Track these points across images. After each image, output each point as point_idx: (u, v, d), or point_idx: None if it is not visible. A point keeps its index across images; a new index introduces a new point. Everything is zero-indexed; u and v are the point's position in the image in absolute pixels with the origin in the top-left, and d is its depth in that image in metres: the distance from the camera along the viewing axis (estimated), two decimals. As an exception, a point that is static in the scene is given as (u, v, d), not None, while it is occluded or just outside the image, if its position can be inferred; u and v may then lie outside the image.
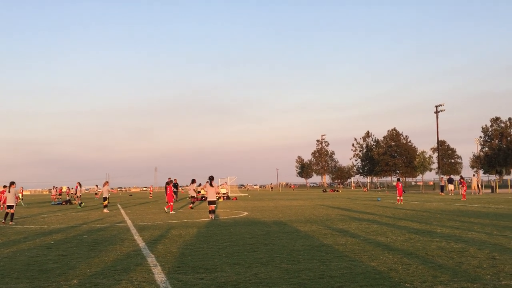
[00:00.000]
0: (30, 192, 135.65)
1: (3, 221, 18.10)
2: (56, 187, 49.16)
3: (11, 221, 17.95)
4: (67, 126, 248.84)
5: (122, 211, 25.60)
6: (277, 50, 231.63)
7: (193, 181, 30.13)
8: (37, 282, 6.77)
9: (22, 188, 48.07)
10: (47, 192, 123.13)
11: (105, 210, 24.94)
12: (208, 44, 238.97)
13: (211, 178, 18.79)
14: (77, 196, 34.30)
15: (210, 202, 18.35)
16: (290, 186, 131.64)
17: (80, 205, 32.02)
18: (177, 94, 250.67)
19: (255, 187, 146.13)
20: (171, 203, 22.81)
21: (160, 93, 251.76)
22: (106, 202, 25.44)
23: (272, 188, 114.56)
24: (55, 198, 44.96)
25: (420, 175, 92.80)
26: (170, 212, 22.17)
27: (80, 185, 35.44)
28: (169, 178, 30.54)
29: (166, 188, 37.49)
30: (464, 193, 32.54)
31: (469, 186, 51.21)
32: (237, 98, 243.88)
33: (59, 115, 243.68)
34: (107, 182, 26.57)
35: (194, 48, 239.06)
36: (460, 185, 45.12)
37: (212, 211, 18.26)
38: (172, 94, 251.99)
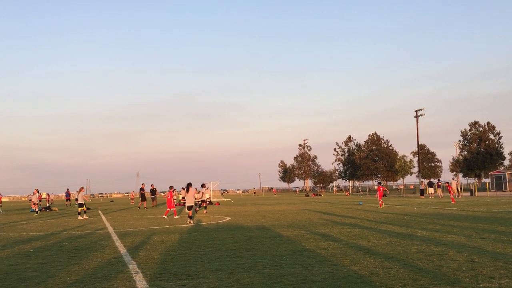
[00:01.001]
0: (9, 198, 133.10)
1: None
2: (34, 193, 48.24)
3: None
4: (46, 131, 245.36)
5: (103, 217, 25.30)
6: (259, 55, 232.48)
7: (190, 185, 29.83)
8: (16, 291, 6.65)
9: (1, 195, 47.12)
10: (26, 199, 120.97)
11: (80, 217, 24.32)
12: (190, 49, 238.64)
13: (189, 185, 19.56)
14: (34, 203, 32.54)
15: (189, 207, 18.93)
16: (272, 191, 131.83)
17: (36, 212, 30.99)
18: (159, 99, 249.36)
19: (237, 192, 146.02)
20: (173, 208, 23.06)
21: (142, 98, 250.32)
22: (81, 208, 24.84)
23: (254, 192, 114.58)
24: (33, 206, 44.14)
25: (401, 178, 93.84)
26: (175, 217, 22.42)
27: (38, 191, 34.57)
28: (143, 184, 30.56)
29: (142, 194, 37.89)
30: (452, 197, 32.70)
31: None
32: (219, 103, 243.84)
33: (38, 120, 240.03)
34: (82, 188, 26.22)
35: (176, 53, 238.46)
36: (439, 189, 46.02)
37: (190, 217, 18.74)
38: (154, 99, 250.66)
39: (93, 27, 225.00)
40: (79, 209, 25.01)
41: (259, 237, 12.88)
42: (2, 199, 51.61)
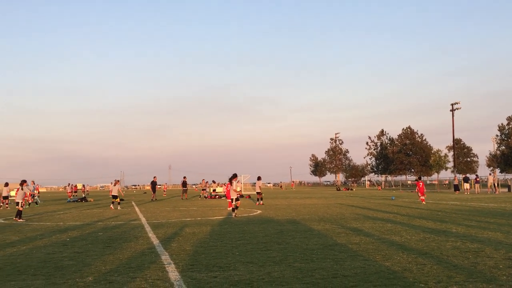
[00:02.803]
0: (46, 189, 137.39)
1: (18, 218, 18.42)
2: (72, 184, 49.69)
3: (20, 219, 18.32)
4: (84, 124, 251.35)
5: (137, 208, 25.79)
6: (292, 49, 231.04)
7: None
8: (53, 279, 6.86)
9: (39, 185, 48.70)
10: (63, 189, 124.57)
11: (112, 207, 25.61)
12: (223, 43, 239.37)
13: (234, 176, 18.89)
14: (32, 196, 31.65)
15: (235, 199, 18.42)
16: (304, 184, 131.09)
17: (28, 205, 29.72)
18: (193, 93, 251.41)
19: (268, 185, 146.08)
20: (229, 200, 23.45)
21: (176, 92, 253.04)
22: (114, 200, 25.94)
23: (281, 186, 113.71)
24: (71, 195, 45.51)
25: (436, 173, 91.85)
26: (228, 208, 22.55)
27: (33, 183, 34.90)
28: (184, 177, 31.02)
29: (153, 187, 39.13)
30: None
31: (485, 185, 50.62)
32: (251, 97, 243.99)
33: (75, 113, 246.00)
34: (118, 181, 27.05)
35: (209, 47, 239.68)
36: (477, 184, 44.64)
37: (233, 209, 18.41)
38: (187, 92, 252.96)
39: (130, 21, 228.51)
40: (113, 200, 25.97)
41: (290, 230, 12.87)
42: (40, 190, 53.32)
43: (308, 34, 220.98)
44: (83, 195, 45.69)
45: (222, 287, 6.20)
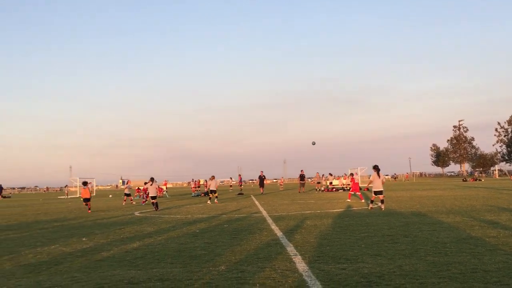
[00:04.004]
0: (172, 185, 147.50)
1: (156, 209, 21.38)
2: (195, 180, 52.67)
3: (157, 209, 21.34)
4: (201, 122, 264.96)
5: (256, 202, 26.53)
6: (405, 35, 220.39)
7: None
8: (189, 267, 7.30)
9: (167, 181, 52.42)
10: (186, 185, 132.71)
11: (209, 202, 26.51)
12: (332, 34, 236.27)
13: (375, 167, 17.50)
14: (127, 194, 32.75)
15: (377, 192, 17.44)
16: (424, 176, 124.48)
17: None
18: (303, 87, 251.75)
19: (386, 177, 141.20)
20: (352, 192, 23.55)
21: (287, 86, 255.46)
22: (213, 195, 26.91)
23: (395, 178, 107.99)
24: (195, 190, 48.27)
25: None
26: (347, 200, 22.65)
27: (124, 181, 37.48)
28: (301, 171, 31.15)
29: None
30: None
31: None
32: (363, 87, 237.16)
33: (195, 113, 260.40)
34: (213, 176, 28.11)
35: (318, 39, 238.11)
36: None
37: (381, 201, 17.49)
38: (298, 86, 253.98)
39: (240, 21, 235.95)
40: (210, 195, 27.15)
41: (416, 223, 12.27)
42: (168, 185, 57.38)
43: (424, 19, 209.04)
44: (206, 190, 48.17)
45: (352, 279, 6.09)
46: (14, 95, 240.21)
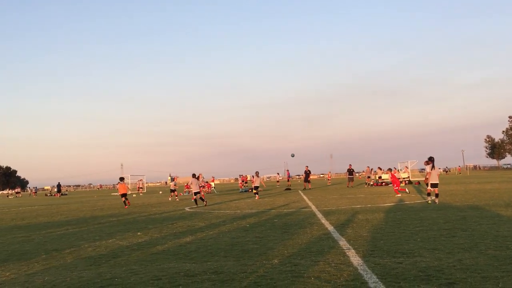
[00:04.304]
0: (219, 181, 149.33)
1: (205, 204, 22.14)
2: (242, 176, 53.05)
3: (204, 203, 22.33)
4: (247, 119, 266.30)
5: (304, 196, 26.40)
6: (459, 24, 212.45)
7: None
8: (243, 260, 7.35)
9: (214, 177, 53.09)
10: (234, 181, 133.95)
11: (257, 197, 26.64)
12: (378, 24, 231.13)
13: (431, 159, 16.94)
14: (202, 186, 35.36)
15: (433, 185, 16.87)
16: (479, 168, 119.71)
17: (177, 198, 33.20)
18: (350, 80, 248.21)
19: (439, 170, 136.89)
20: (397, 187, 23.22)
21: (332, 80, 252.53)
22: (255, 191, 27.46)
23: (447, 172, 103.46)
24: (242, 186, 48.61)
25: None
26: (397, 195, 22.27)
27: (172, 178, 38.61)
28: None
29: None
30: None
31: None
32: (412, 78, 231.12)
33: (240, 110, 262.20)
34: (257, 172, 28.15)
35: (363, 30, 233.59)
36: None
37: (436, 195, 16.87)
38: (344, 80, 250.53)
39: (283, 18, 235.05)
40: (254, 191, 27.65)
41: (474, 216, 11.83)
42: (215, 181, 58.14)
43: (479, 7, 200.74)
44: (253, 185, 48.42)
45: (410, 273, 5.95)
46: (71, 97, 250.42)
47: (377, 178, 39.93)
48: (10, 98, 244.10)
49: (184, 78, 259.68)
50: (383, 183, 38.41)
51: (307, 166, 39.95)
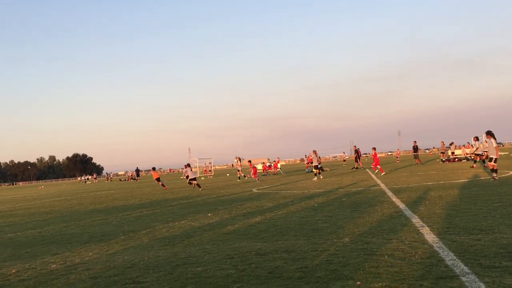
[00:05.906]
0: (284, 162, 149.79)
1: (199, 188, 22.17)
2: (306, 156, 52.79)
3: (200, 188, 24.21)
4: (309, 100, 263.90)
5: (373, 175, 25.89)
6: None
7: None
8: (313, 239, 7.35)
9: (279, 158, 53.29)
10: (299, 161, 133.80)
11: (315, 179, 26.02)
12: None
13: (490, 133, 16.21)
14: (238, 170, 36.45)
15: (496, 160, 15.97)
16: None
17: (239, 178, 34.28)
18: (414, 55, 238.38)
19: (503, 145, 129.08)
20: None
21: (399, 55, 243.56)
22: (316, 170, 27.02)
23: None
24: (307, 166, 48.44)
25: None
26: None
27: (240, 159, 38.72)
28: (415, 146, 29.50)
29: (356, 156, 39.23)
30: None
31: None
32: (486, 47, 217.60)
33: (302, 91, 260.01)
34: (315, 151, 27.62)
35: (425, 6, 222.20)
36: None
37: (495, 170, 15.94)
38: (411, 53, 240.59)
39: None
40: (315, 171, 27.41)
41: (559, 191, 11.06)
42: (280, 163, 58.37)
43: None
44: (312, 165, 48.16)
45: (490, 250, 5.68)
46: (136, 86, 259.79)
47: (450, 154, 38.33)
48: (84, 90, 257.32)
49: (246, 63, 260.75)
50: (456, 159, 36.82)
51: (355, 146, 40.06)
